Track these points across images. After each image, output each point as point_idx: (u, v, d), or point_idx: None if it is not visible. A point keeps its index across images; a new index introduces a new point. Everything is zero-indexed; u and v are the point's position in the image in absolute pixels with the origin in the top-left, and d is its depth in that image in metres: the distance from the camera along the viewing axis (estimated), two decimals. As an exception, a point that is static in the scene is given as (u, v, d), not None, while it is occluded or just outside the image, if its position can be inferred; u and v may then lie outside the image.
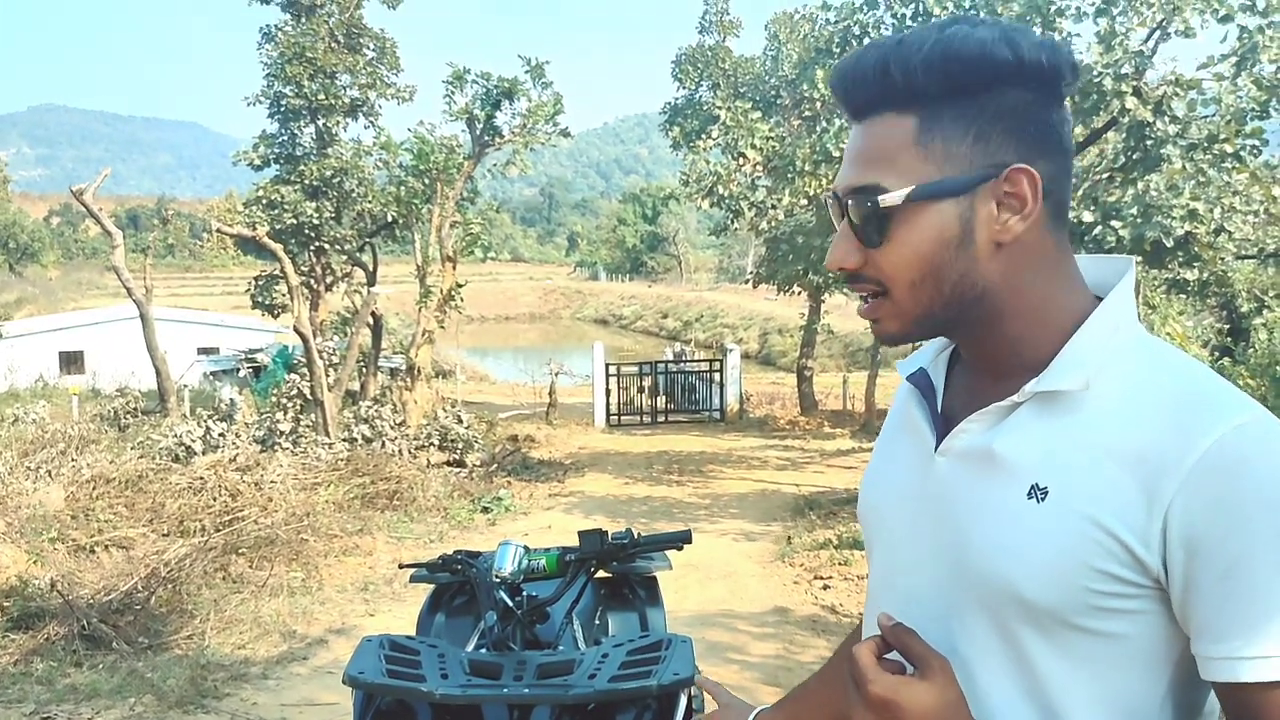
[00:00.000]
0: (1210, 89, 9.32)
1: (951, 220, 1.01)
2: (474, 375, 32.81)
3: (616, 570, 3.18)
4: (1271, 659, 0.91)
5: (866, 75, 1.03)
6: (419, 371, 15.57)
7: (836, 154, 11.91)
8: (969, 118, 1.01)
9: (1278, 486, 0.91)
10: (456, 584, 3.26)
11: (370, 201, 20.18)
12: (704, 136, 15.76)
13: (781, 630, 6.30)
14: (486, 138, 16.54)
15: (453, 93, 16.40)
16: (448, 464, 13.05)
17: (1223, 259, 9.31)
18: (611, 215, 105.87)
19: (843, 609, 6.74)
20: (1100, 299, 1.07)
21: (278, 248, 13.99)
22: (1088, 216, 9.13)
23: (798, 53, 18.92)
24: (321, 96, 20.37)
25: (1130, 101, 9.02)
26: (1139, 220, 8.89)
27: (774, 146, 13.94)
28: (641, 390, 20.54)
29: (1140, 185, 9.14)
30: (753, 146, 13.84)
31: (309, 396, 13.58)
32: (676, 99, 22.56)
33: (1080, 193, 10.09)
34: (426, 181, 16.97)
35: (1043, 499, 0.99)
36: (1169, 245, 8.86)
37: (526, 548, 2.67)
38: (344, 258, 21.21)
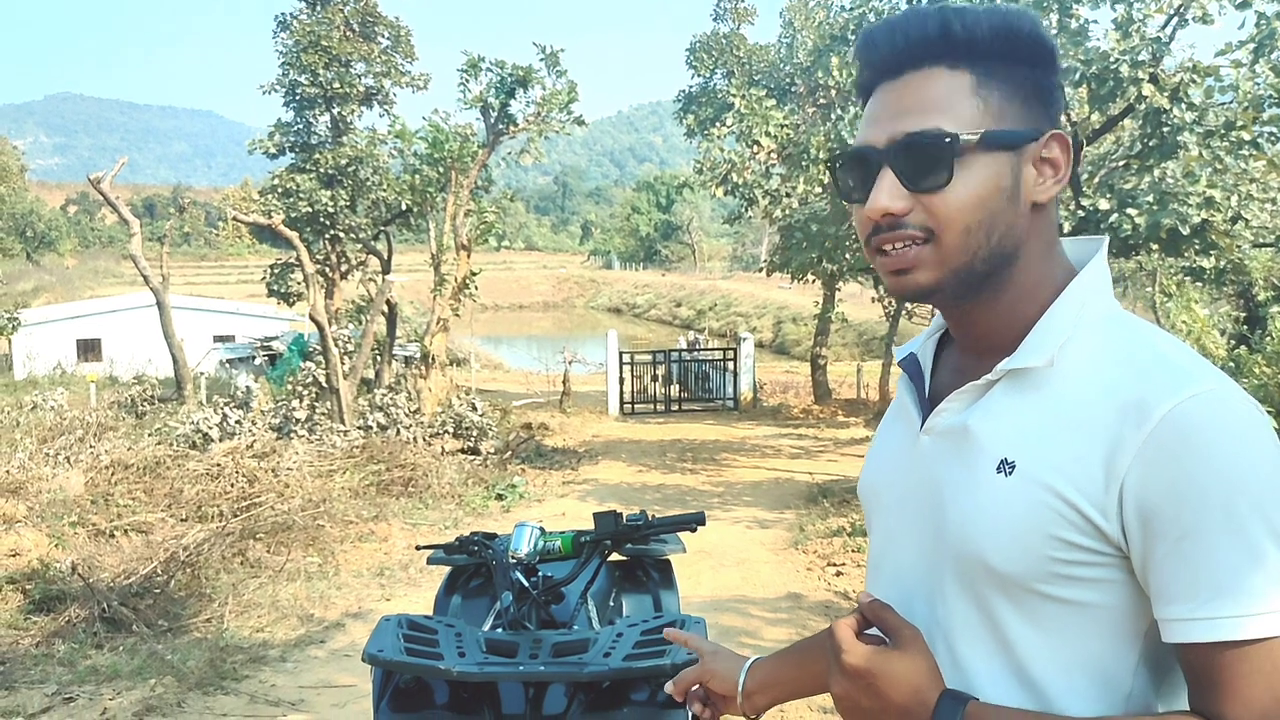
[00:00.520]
0: (1228, 76, 9.26)
1: (1006, 171, 1.06)
2: (488, 363, 32.89)
3: (630, 553, 3.21)
4: (1222, 619, 0.95)
5: (926, 29, 1.06)
6: (434, 359, 15.64)
7: (851, 141, 11.90)
8: (1017, 83, 1.07)
9: (1227, 456, 0.95)
10: (473, 566, 3.30)
11: (385, 190, 20.24)
12: (719, 124, 15.74)
13: (795, 615, 6.33)
14: (501, 126, 16.55)
15: (467, 81, 16.41)
16: (462, 451, 13.10)
17: (1239, 247, 9.26)
18: (625, 203, 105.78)
19: (855, 595, 6.76)
20: (1070, 278, 1.12)
21: (294, 236, 14.06)
22: (1104, 204, 9.09)
23: (812, 40, 18.86)
24: (336, 85, 20.43)
25: (1147, 88, 8.97)
26: (1155, 208, 8.86)
27: (788, 134, 13.92)
28: (655, 379, 20.55)
29: (1157, 173, 9.11)
30: (767, 134, 13.81)
31: (324, 384, 13.66)
32: (691, 87, 22.51)
33: (1097, 180, 10.04)
34: (441, 170, 17.04)
35: (1010, 472, 1.04)
36: (1185, 233, 8.83)
37: (543, 529, 2.70)
38: (359, 246, 21.28)
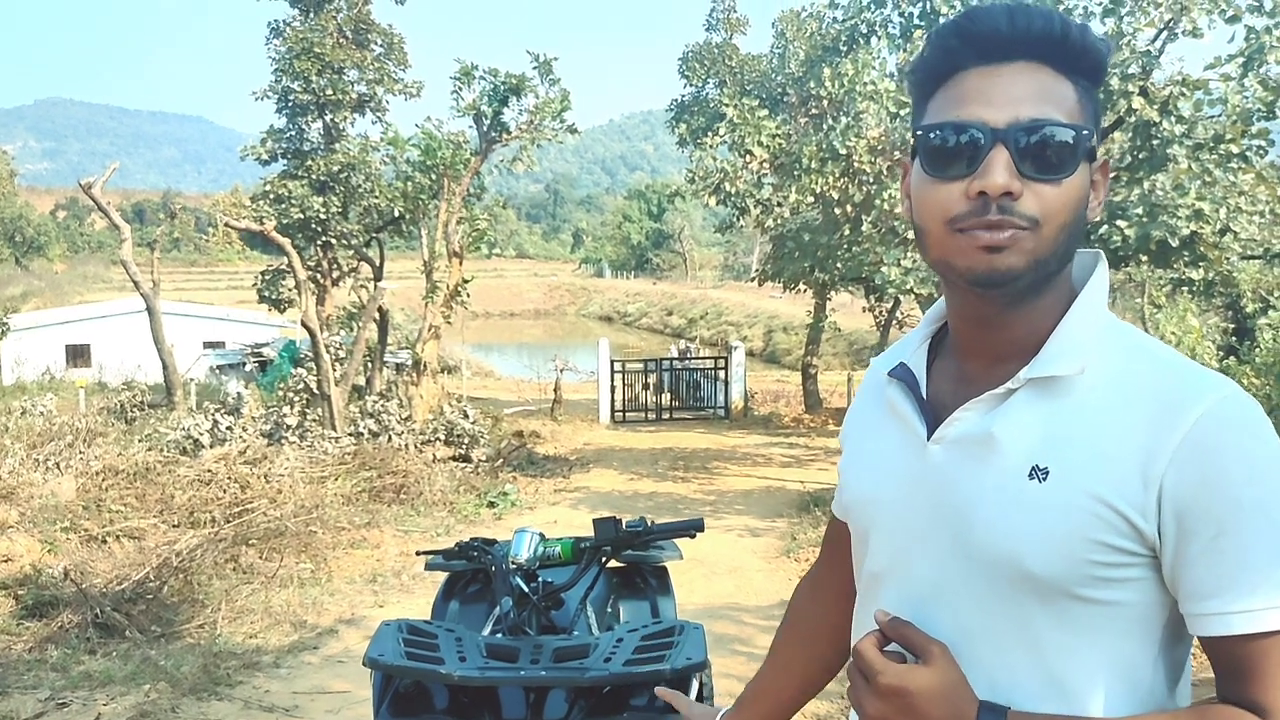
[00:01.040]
0: (1217, 89, 9.34)
1: (1087, 182, 1.10)
2: (479, 371, 32.86)
3: (628, 559, 3.23)
4: (1259, 611, 0.99)
5: (1051, 26, 1.07)
6: (425, 366, 15.62)
7: (843, 151, 11.94)
8: (1093, 101, 1.11)
9: (1256, 455, 1.01)
10: (470, 572, 3.31)
11: (377, 197, 20.21)
12: (711, 133, 15.78)
13: (787, 623, 6.36)
14: (494, 134, 16.57)
15: (460, 89, 16.42)
16: (453, 459, 13.10)
17: (1228, 259, 9.33)
18: (617, 212, 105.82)
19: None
20: (1074, 291, 1.15)
21: (286, 242, 14.05)
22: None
23: (805, 51, 18.94)
24: (329, 92, 20.41)
25: (1137, 101, 9.05)
26: (1145, 220, 8.93)
27: (780, 144, 13.96)
28: (646, 387, 20.57)
29: (1146, 185, 9.18)
30: (759, 144, 13.85)
31: (315, 391, 13.64)
32: (683, 96, 22.58)
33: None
34: (433, 177, 17.01)
35: (1044, 479, 1.06)
36: (1175, 245, 8.90)
37: (542, 535, 2.72)
38: (350, 253, 21.25)
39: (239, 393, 15.83)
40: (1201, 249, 9.01)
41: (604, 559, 2.81)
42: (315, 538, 7.92)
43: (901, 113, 11.79)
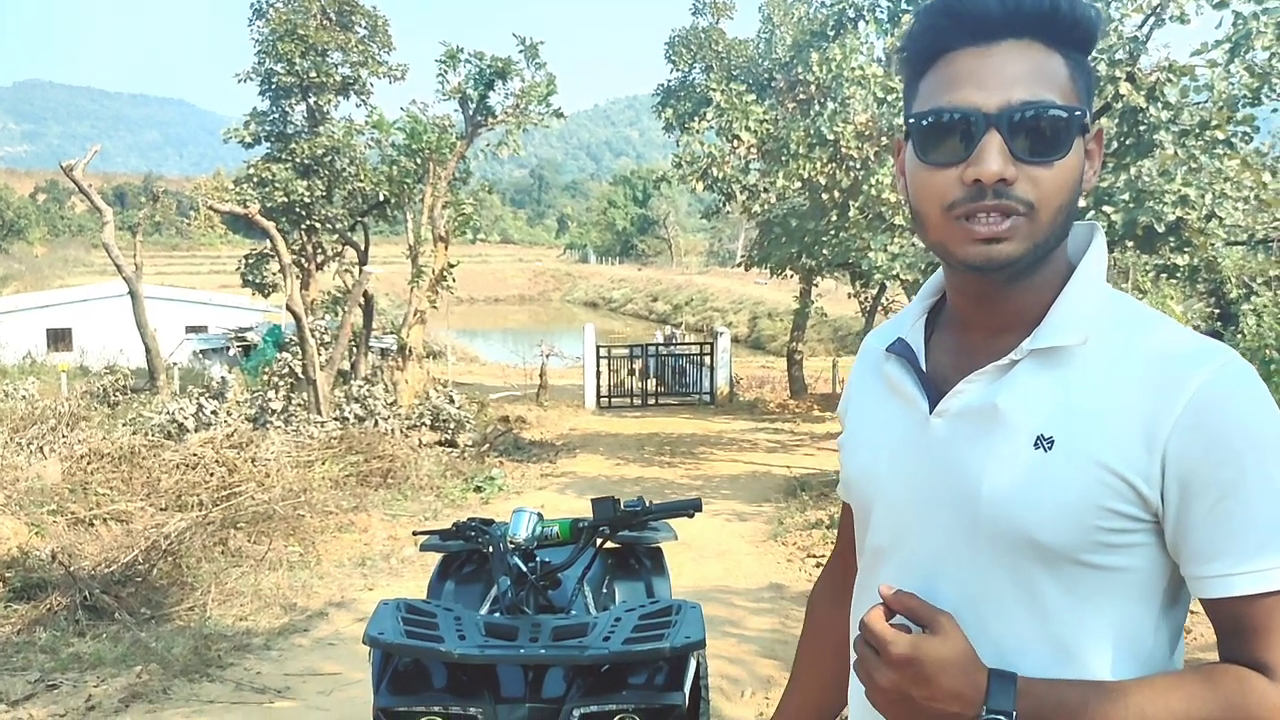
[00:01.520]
0: (1203, 75, 9.37)
1: (1082, 156, 1.10)
2: (464, 356, 32.81)
3: (623, 540, 3.24)
4: (1262, 572, 1.02)
5: (1041, 3, 1.06)
6: (410, 351, 15.59)
7: (830, 136, 11.94)
8: (1085, 73, 1.11)
9: (1256, 420, 1.03)
10: (465, 553, 3.32)
11: (362, 181, 20.09)
12: (698, 118, 15.75)
13: (778, 605, 6.39)
14: (479, 118, 16.49)
15: (446, 72, 16.33)
16: (440, 444, 13.08)
17: (1213, 245, 9.38)
18: (602, 197, 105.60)
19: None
20: (1070, 262, 1.16)
21: (270, 225, 13.95)
22: (1081, 201, 9.18)
23: (792, 35, 18.90)
24: (313, 74, 20.25)
25: (1124, 87, 9.07)
26: (1131, 205, 8.96)
27: (768, 129, 13.94)
28: (632, 373, 20.57)
29: (1133, 171, 9.20)
30: (747, 129, 13.83)
31: (300, 375, 13.58)
32: (670, 81, 22.51)
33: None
34: (419, 161, 16.94)
35: (1049, 448, 1.07)
36: (1160, 231, 8.93)
37: (540, 515, 2.73)
38: (335, 237, 21.13)
39: (223, 377, 15.76)
40: (1187, 235, 9.05)
41: (601, 539, 2.82)
42: (303, 521, 7.90)
43: (889, 98, 11.80)
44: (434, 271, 15.55)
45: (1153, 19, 9.42)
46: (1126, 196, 9.04)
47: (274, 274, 21.15)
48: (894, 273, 11.08)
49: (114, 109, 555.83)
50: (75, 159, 15.98)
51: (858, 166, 12.08)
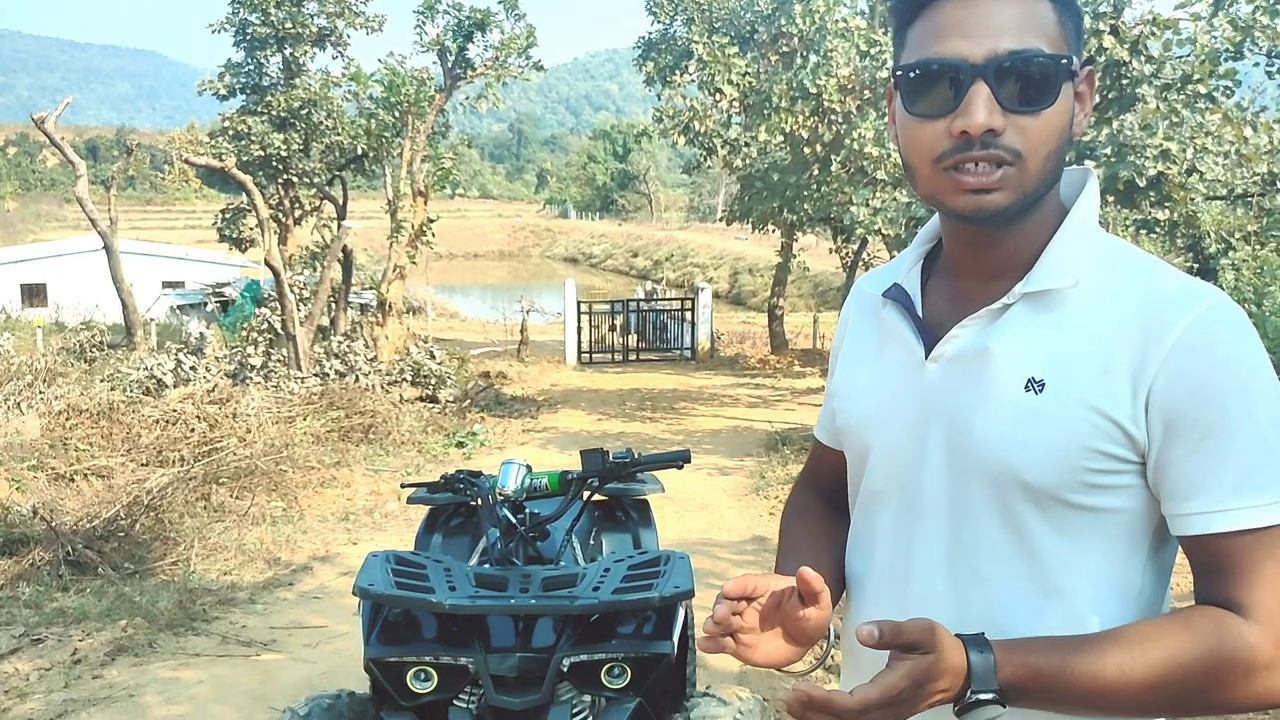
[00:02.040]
0: (1186, 29, 9.36)
1: (1071, 100, 1.10)
2: (444, 312, 32.67)
3: (610, 493, 3.25)
4: (1238, 510, 1.03)
5: None
6: (390, 307, 15.50)
7: (813, 90, 11.88)
8: (1073, 15, 1.10)
9: (1240, 360, 1.04)
10: (452, 506, 3.32)
11: (340, 134, 19.85)
12: (680, 72, 15.61)
13: (761, 557, 6.45)
14: (458, 70, 16.30)
15: (424, 23, 16.12)
16: (420, 399, 13.07)
17: (1193, 200, 9.41)
18: (581, 152, 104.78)
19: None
20: (1063, 207, 1.17)
21: (247, 179, 13.78)
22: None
23: (774, -13, 18.72)
24: (289, 25, 19.92)
25: (1108, 40, 9.06)
26: (1113, 160, 8.98)
27: (750, 83, 13.86)
28: (613, 328, 20.56)
29: (1115, 125, 9.21)
30: (729, 82, 13.76)
31: (280, 331, 13.50)
32: (651, 34, 22.27)
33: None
34: (397, 114, 16.74)
35: (1040, 390, 1.08)
36: (1141, 185, 8.96)
37: (529, 467, 2.73)
38: (313, 191, 20.91)
39: (201, 333, 15.66)
40: (1167, 189, 9.08)
41: (589, 491, 2.83)
42: (285, 477, 7.89)
43: (872, 51, 11.73)
44: (413, 226, 15.43)
45: (1137, -28, 9.38)
46: (1108, 151, 9.05)
47: (251, 229, 20.93)
48: (875, 227, 11.08)
49: (85, 60, 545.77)
50: (47, 111, 15.69)
51: (840, 120, 12.03)
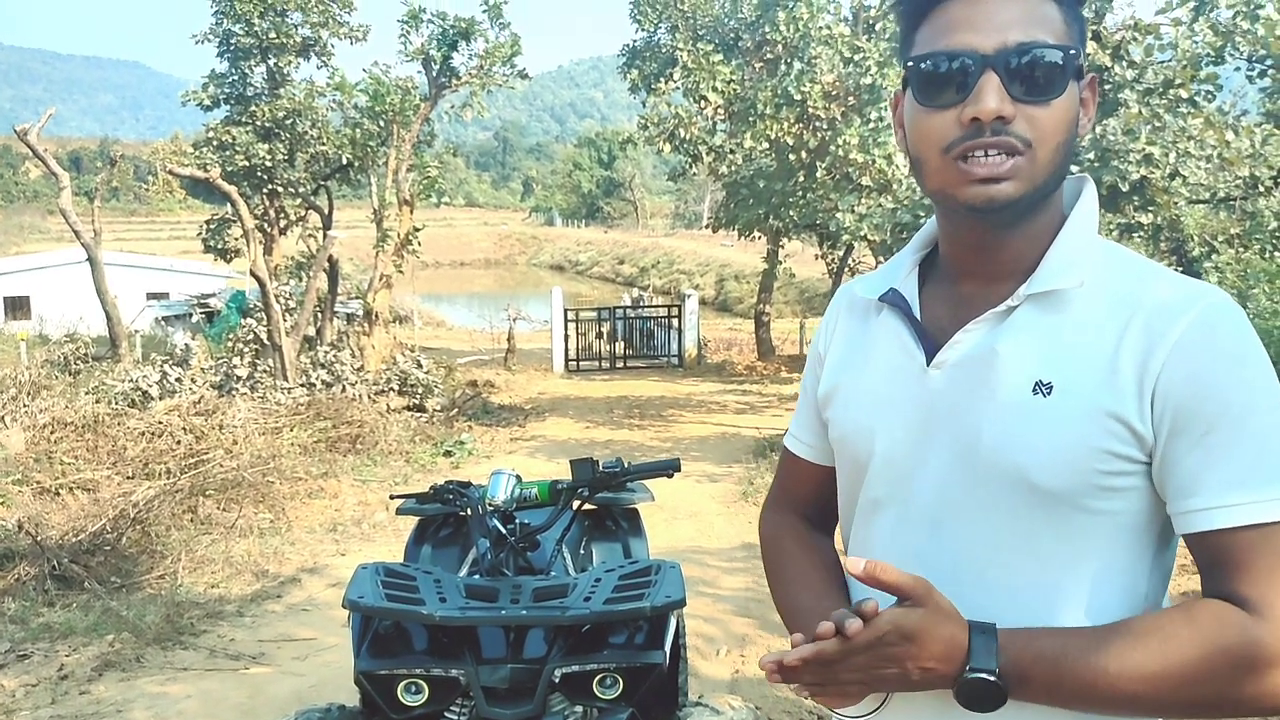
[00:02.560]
0: (1167, 34, 9.42)
1: (1077, 99, 1.12)
2: (430, 321, 32.61)
3: (600, 502, 3.24)
4: (1242, 505, 1.03)
5: None
6: (377, 316, 15.48)
7: (798, 96, 11.91)
8: (1078, 18, 1.12)
9: (1240, 356, 1.05)
10: (441, 516, 3.31)
11: (324, 144, 19.80)
12: (664, 79, 15.63)
13: (750, 565, 6.43)
14: (443, 79, 16.31)
15: (408, 33, 16.12)
16: (408, 409, 13.03)
17: (1176, 203, 9.46)
18: (567, 160, 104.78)
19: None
20: (1063, 213, 1.18)
21: (232, 190, 13.74)
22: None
23: (758, -5, 18.76)
24: (272, 35, 19.87)
25: (1090, 46, 9.10)
26: (1096, 164, 9.01)
27: (735, 90, 13.89)
28: (600, 336, 20.54)
29: (1098, 130, 9.25)
30: (714, 89, 13.78)
31: (266, 341, 13.45)
32: (635, 41, 22.29)
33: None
34: (382, 124, 16.74)
35: (1048, 393, 1.08)
36: (1125, 190, 8.99)
37: (519, 477, 2.72)
38: (298, 201, 20.85)
39: (186, 344, 15.57)
40: (1151, 193, 9.12)
41: (579, 501, 2.82)
42: (273, 488, 7.85)
43: (856, 58, 11.78)
44: (399, 235, 15.42)
45: (1118, -23, 9.44)
46: (1091, 155, 9.08)
47: (236, 239, 20.85)
48: (861, 233, 11.11)
49: (67, 72, 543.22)
50: (29, 123, 15.61)
51: (825, 127, 12.06)
